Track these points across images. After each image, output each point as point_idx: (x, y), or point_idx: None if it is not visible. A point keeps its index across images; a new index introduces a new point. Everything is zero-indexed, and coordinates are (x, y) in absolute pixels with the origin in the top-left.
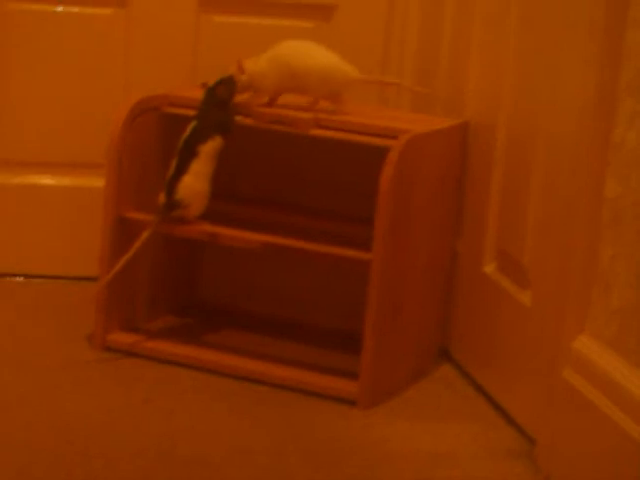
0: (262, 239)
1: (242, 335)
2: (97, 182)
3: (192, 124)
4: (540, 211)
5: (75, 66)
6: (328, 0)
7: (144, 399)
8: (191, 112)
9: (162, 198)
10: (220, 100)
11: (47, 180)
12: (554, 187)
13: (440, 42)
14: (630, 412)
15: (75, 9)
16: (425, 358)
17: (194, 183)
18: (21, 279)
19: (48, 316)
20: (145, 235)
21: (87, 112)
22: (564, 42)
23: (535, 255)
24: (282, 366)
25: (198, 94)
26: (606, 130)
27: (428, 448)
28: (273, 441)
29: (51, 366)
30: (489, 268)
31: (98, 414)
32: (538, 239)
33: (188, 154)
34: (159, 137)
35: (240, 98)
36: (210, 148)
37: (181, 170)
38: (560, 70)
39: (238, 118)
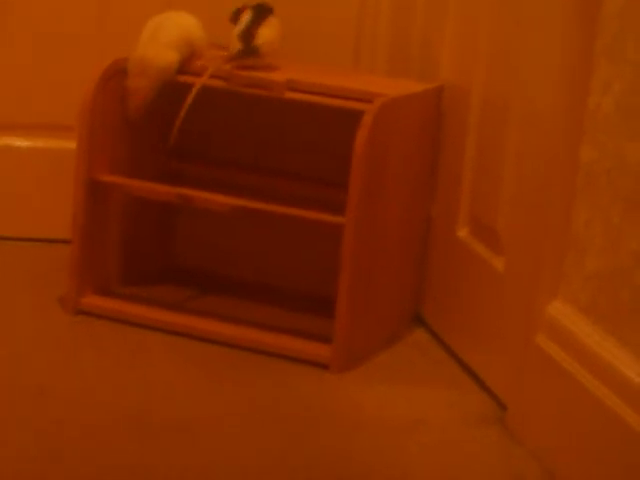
0: (235, 202)
1: (216, 299)
2: (70, 144)
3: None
4: (514, 177)
5: (47, 27)
6: None
7: (117, 363)
8: None
9: (235, 45)
10: None
11: (20, 142)
12: (529, 152)
13: (415, 5)
14: (603, 379)
15: None
16: (398, 323)
17: (272, 34)
18: None
19: (20, 278)
20: (201, 81)
21: (60, 74)
22: (540, 6)
23: (509, 221)
24: (256, 330)
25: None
26: (581, 95)
27: (401, 414)
28: (247, 407)
29: (23, 329)
30: (462, 233)
31: (72, 379)
32: (512, 205)
33: (264, 9)
34: None
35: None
36: None
37: (258, 21)
38: (535, 34)
39: (211, 81)
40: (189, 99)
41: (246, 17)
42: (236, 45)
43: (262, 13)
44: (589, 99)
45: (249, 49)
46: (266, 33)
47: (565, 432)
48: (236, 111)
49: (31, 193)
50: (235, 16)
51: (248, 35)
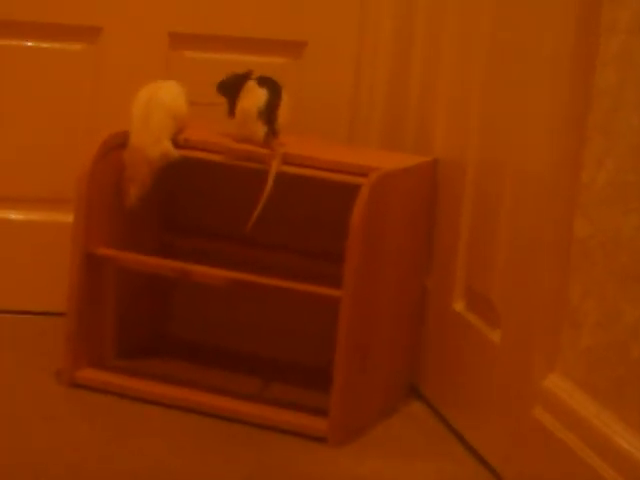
0: (233, 276)
1: (212, 372)
2: (66, 217)
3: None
4: (509, 249)
5: (45, 101)
6: (298, 37)
7: (112, 437)
8: None
9: (261, 130)
10: None
11: (15, 215)
12: (523, 225)
13: (409, 79)
14: (600, 452)
15: (45, 44)
16: (395, 395)
17: (288, 113)
18: None
19: (15, 351)
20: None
21: (56, 147)
22: (532, 80)
23: (504, 293)
24: (252, 403)
25: None
26: (575, 169)
27: None
28: None
29: (19, 402)
30: (459, 306)
31: (66, 452)
32: (507, 277)
33: (278, 86)
34: None
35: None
36: None
37: (277, 100)
38: (528, 108)
39: (207, 155)
40: (267, 188)
41: (261, 94)
42: (257, 127)
43: (278, 91)
44: (583, 173)
45: (274, 131)
46: (285, 113)
47: None
48: (231, 185)
49: (27, 266)
50: (234, 86)
51: (272, 116)
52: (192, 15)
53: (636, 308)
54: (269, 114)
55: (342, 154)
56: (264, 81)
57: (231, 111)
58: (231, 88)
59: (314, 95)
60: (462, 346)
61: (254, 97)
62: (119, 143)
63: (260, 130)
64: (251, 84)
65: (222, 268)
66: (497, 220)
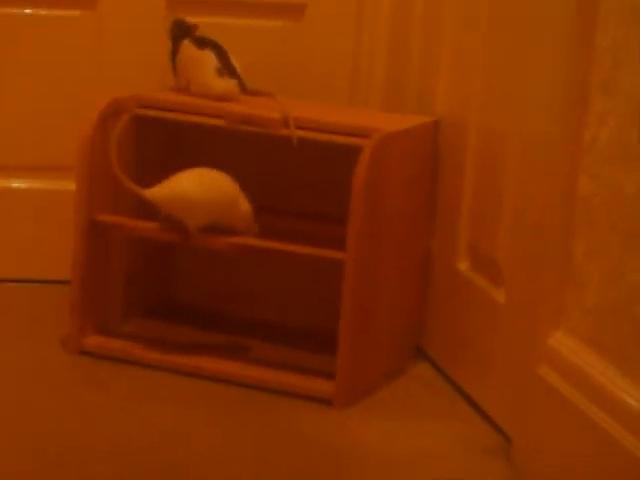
0: (236, 241)
1: (217, 337)
2: (69, 185)
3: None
4: (513, 209)
5: (45, 69)
6: None
7: (121, 405)
8: (162, 114)
9: (232, 83)
10: None
11: (17, 183)
12: (526, 185)
13: (410, 41)
14: (607, 409)
15: (43, 11)
16: (401, 356)
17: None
18: None
19: (21, 320)
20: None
21: (58, 115)
22: (534, 40)
23: (509, 253)
24: (258, 367)
25: (169, 96)
26: (578, 128)
27: (405, 447)
28: (251, 445)
29: (26, 371)
30: (463, 266)
31: (74, 419)
32: (511, 237)
33: (220, 44)
34: (131, 139)
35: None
36: None
37: (226, 54)
38: (530, 68)
39: (209, 120)
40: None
41: (208, 53)
42: (228, 83)
43: (219, 46)
44: (585, 131)
45: (244, 84)
46: (236, 61)
47: (570, 463)
48: (233, 149)
49: (30, 234)
50: (177, 37)
51: (231, 68)
52: None
53: (639, 266)
54: (229, 68)
55: (343, 116)
56: (203, 42)
57: (173, 58)
58: (175, 37)
59: (314, 57)
60: (467, 306)
61: (204, 59)
62: (120, 109)
63: (231, 84)
64: (189, 47)
65: (226, 233)
66: (500, 180)
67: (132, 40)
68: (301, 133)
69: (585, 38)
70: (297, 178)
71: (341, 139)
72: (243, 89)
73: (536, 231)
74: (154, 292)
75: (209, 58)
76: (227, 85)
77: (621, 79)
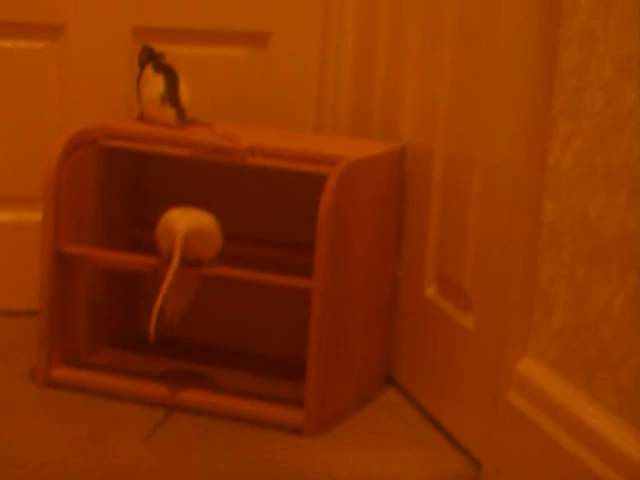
0: (203, 270)
1: (185, 366)
2: (35, 216)
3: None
4: (479, 234)
5: (10, 100)
6: (262, 27)
7: (89, 435)
8: (128, 144)
9: (171, 112)
10: None
11: None
12: (492, 210)
13: (375, 67)
14: (575, 434)
15: (8, 43)
16: (370, 384)
17: (187, 93)
18: None
19: None
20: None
21: (23, 146)
22: (498, 65)
23: (475, 278)
24: (227, 396)
25: (135, 126)
26: (542, 152)
27: (375, 475)
28: (220, 474)
29: None
30: (430, 292)
31: (42, 451)
32: (478, 262)
33: (173, 68)
34: (97, 170)
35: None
36: None
37: (175, 82)
38: (495, 93)
39: (175, 150)
40: (165, 284)
41: (159, 80)
42: (165, 110)
43: (174, 74)
44: (549, 155)
45: (182, 112)
46: (185, 93)
47: None
48: (199, 178)
49: None
50: (142, 64)
51: (175, 98)
52: (155, 9)
53: (605, 289)
54: (172, 97)
55: (309, 144)
56: (159, 67)
57: (137, 84)
58: (142, 64)
59: (280, 85)
60: (435, 332)
61: (154, 84)
62: (86, 140)
63: (169, 113)
64: (148, 70)
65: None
66: (466, 206)
67: (97, 71)
68: (267, 162)
69: (548, 61)
70: (263, 206)
71: (307, 167)
72: (181, 119)
73: (502, 256)
74: (121, 322)
75: (157, 84)
76: (166, 113)
77: (584, 102)
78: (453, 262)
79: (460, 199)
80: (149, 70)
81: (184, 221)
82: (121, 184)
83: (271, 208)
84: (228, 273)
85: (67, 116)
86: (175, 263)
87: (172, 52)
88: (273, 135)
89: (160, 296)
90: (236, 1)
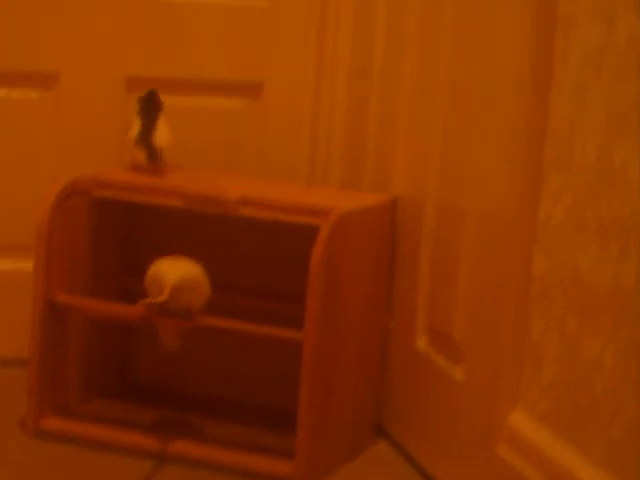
0: (194, 321)
1: (176, 416)
2: (26, 265)
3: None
4: (470, 286)
5: (3, 148)
6: (255, 78)
7: None
8: (120, 194)
9: (141, 154)
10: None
11: None
12: (483, 262)
13: (367, 118)
14: None
15: (1, 92)
16: (360, 434)
17: (167, 134)
18: None
19: None
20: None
21: (16, 195)
22: (489, 117)
23: (466, 330)
24: (217, 446)
25: (127, 176)
26: (533, 205)
27: None
28: None
29: None
30: (421, 343)
31: None
32: (469, 314)
33: (153, 113)
34: (89, 220)
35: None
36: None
37: (150, 126)
38: (486, 146)
39: (166, 200)
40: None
41: (137, 123)
42: (138, 152)
43: (152, 117)
44: (540, 209)
45: (154, 154)
46: (163, 134)
47: None
48: (191, 228)
49: None
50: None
51: (148, 141)
52: (148, 58)
53: (596, 343)
54: (144, 138)
55: (301, 195)
56: (141, 109)
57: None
58: (140, 109)
59: (272, 136)
60: (426, 384)
61: (133, 126)
62: (78, 190)
63: (141, 155)
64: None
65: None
66: (457, 258)
67: (91, 120)
68: (259, 213)
69: (539, 115)
70: (255, 256)
71: (298, 219)
72: (152, 162)
73: (493, 309)
74: (112, 371)
75: (135, 127)
76: (138, 155)
77: (575, 156)
78: (444, 314)
79: (451, 251)
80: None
81: (172, 273)
82: (113, 233)
83: (262, 258)
84: (219, 324)
85: (61, 165)
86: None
87: (165, 102)
88: (265, 186)
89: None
90: (229, 52)
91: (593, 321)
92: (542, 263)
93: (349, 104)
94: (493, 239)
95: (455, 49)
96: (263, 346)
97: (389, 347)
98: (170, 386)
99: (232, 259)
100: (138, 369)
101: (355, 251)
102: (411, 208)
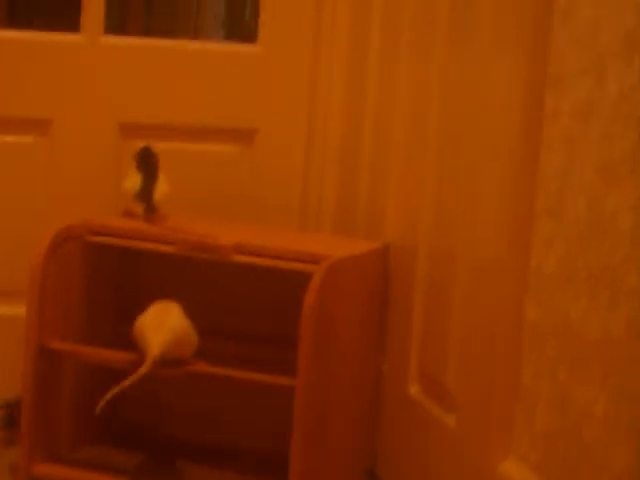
0: (187, 367)
1: (168, 462)
2: (19, 310)
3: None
4: (462, 333)
5: None
6: (249, 124)
7: None
8: (113, 240)
9: (139, 208)
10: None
11: None
12: (475, 309)
13: (360, 165)
14: None
15: None
16: (352, 479)
17: (165, 188)
18: None
19: None
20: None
21: (9, 240)
22: (481, 166)
23: (458, 377)
24: None
25: (120, 222)
26: (525, 253)
27: None
28: None
29: None
30: (414, 389)
31: None
32: (461, 361)
33: (152, 169)
34: (83, 265)
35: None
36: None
37: (151, 181)
38: (478, 193)
39: (159, 246)
40: (123, 385)
41: (137, 178)
42: (136, 205)
43: (152, 173)
44: (532, 257)
45: (152, 208)
46: (162, 189)
47: None
48: (184, 274)
49: None
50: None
51: (147, 195)
52: (142, 105)
53: (587, 392)
54: (144, 194)
55: (294, 241)
56: (140, 164)
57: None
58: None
59: (265, 182)
60: (418, 430)
61: (132, 179)
62: (72, 235)
63: (139, 208)
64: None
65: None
66: (450, 304)
67: (84, 165)
68: (252, 260)
69: (530, 165)
70: (248, 301)
71: (291, 265)
72: (150, 214)
73: (485, 355)
74: (104, 417)
75: (135, 181)
76: (135, 208)
77: (566, 205)
78: (436, 360)
79: (443, 297)
80: (133, 165)
81: (156, 341)
82: (106, 278)
83: (256, 304)
84: (210, 370)
85: (54, 210)
86: (136, 377)
87: (158, 148)
88: (258, 232)
89: (118, 389)
90: (223, 98)
91: (584, 370)
92: (534, 311)
93: (342, 150)
94: (485, 286)
95: (447, 99)
96: (254, 391)
97: (382, 392)
98: (162, 431)
99: (225, 304)
100: (130, 415)
101: (348, 297)
102: (403, 254)
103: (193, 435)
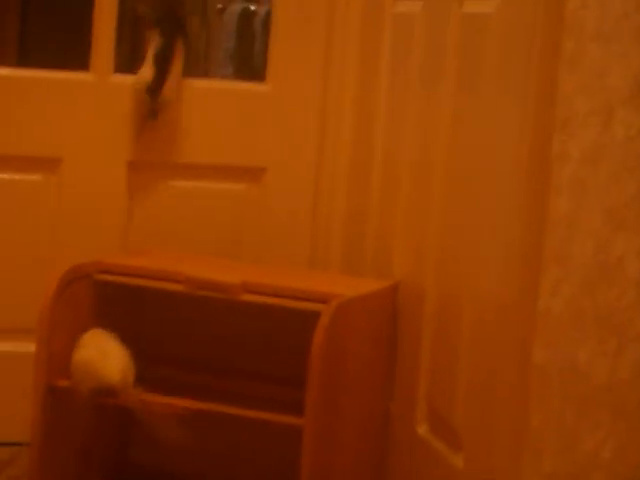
0: (193, 406)
1: None
2: (29, 347)
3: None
4: (470, 374)
5: (6, 231)
6: (257, 163)
7: None
8: (122, 279)
9: (147, 100)
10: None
11: None
12: (483, 350)
13: (368, 204)
14: None
15: (5, 175)
16: None
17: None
18: None
19: None
20: None
21: (18, 277)
22: (488, 208)
23: (466, 417)
24: None
25: (129, 261)
26: (532, 296)
27: None
28: None
29: None
30: (422, 429)
31: None
32: (469, 401)
33: (166, 60)
34: (91, 304)
35: None
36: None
37: (164, 73)
38: (485, 236)
39: (168, 285)
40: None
41: (150, 68)
42: (145, 99)
43: (166, 64)
44: (539, 300)
45: (156, 112)
46: (173, 84)
47: None
48: (192, 312)
49: None
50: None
51: (155, 90)
52: (150, 144)
53: (594, 435)
54: (153, 90)
55: (302, 280)
56: (157, 57)
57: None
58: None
59: (274, 220)
60: (426, 469)
61: (145, 70)
62: (81, 274)
63: (145, 105)
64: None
65: (183, 397)
66: (457, 344)
67: (93, 204)
68: (260, 299)
69: (537, 209)
70: (256, 340)
71: (299, 305)
72: (152, 117)
73: (493, 396)
74: (111, 455)
75: (148, 71)
76: (143, 104)
77: (574, 249)
78: (444, 400)
79: (451, 338)
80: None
81: (110, 368)
82: (115, 317)
83: (264, 343)
84: (218, 409)
85: (63, 248)
86: None
87: (167, 186)
88: (266, 270)
89: None
90: (231, 137)
91: (591, 414)
92: (541, 354)
93: (350, 189)
94: (493, 328)
95: (454, 141)
96: (262, 430)
97: (390, 432)
98: (170, 471)
99: (234, 343)
100: (138, 453)
101: (356, 336)
102: (412, 293)
103: (201, 475)
